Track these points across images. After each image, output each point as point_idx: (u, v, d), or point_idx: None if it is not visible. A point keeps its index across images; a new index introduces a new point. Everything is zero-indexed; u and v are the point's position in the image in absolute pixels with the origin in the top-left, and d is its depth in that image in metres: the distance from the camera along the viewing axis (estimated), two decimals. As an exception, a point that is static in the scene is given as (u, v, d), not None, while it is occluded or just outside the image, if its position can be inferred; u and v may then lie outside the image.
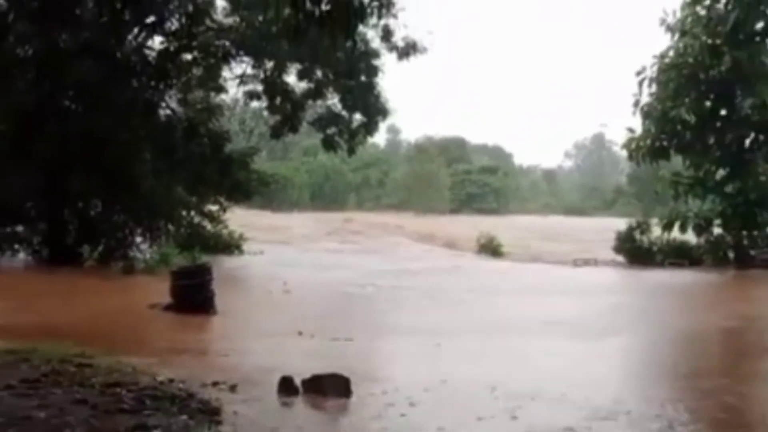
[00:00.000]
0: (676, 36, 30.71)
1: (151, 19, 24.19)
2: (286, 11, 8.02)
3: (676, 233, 30.55)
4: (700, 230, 30.54)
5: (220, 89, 27.82)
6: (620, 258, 30.37)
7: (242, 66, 27.26)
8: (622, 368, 11.11)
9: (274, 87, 27.40)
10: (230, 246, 29.09)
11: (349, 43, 20.47)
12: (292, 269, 23.84)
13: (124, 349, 10.12)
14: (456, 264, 29.01)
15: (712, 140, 30.45)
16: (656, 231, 30.79)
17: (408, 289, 20.11)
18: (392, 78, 39.11)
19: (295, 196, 76.99)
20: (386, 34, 25.75)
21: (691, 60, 29.76)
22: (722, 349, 12.53)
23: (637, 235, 30.70)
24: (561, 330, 13.74)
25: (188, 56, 25.55)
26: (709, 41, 29.42)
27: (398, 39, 25.91)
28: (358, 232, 45.46)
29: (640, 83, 31.05)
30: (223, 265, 23.72)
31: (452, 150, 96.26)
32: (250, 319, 14.70)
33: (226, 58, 26.33)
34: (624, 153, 35.04)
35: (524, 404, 7.99)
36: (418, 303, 17.63)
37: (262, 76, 27.38)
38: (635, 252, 30.27)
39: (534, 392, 8.44)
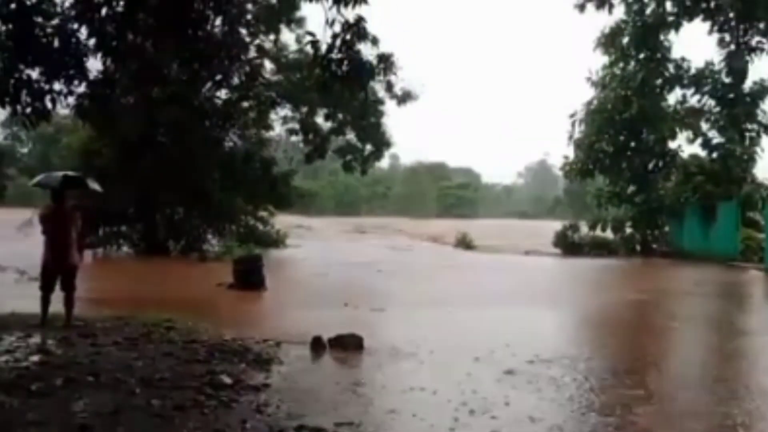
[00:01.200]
0: (599, 89, 30.96)
1: (219, 77, 24.06)
2: (317, 71, 8.07)
3: (599, 232, 30.49)
4: (616, 230, 30.64)
5: (269, 127, 27.55)
6: (557, 250, 30.01)
7: (285, 110, 27.14)
8: (559, 327, 10.96)
9: (307, 126, 27.25)
10: (276, 241, 28.64)
11: (362, 94, 20.40)
12: (321, 257, 23.63)
13: (200, 316, 10.02)
14: (440, 253, 29.00)
15: (624, 164, 30.58)
16: (584, 230, 30.62)
17: (409, 269, 19.92)
18: (394, 118, 39.86)
19: (323, 205, 76.93)
20: (389, 87, 25.74)
21: (609, 106, 29.93)
22: (630, 313, 12.39)
23: (570, 233, 30.51)
24: (515, 298, 13.65)
25: (245, 103, 25.44)
26: (623, 92, 29.61)
27: (398, 90, 25.90)
28: (369, 230, 45.04)
29: (573, 123, 31.30)
30: (271, 255, 23.51)
31: (437, 171, 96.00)
32: (292, 294, 14.41)
33: (273, 105, 26.20)
34: (561, 173, 35.01)
35: (486, 354, 7.98)
36: (421, 277, 17.44)
37: (298, 117, 27.26)
38: (568, 246, 29.90)
39: (496, 347, 8.39)
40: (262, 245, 25.49)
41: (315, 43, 7.86)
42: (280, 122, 27.59)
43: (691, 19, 28.76)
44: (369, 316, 11.10)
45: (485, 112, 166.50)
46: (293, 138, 28.97)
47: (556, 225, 31.91)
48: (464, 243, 32.66)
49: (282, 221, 30.06)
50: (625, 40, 29.86)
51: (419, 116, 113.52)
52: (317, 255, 24.94)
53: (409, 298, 13.54)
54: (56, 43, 7.79)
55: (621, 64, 30.18)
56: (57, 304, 8.67)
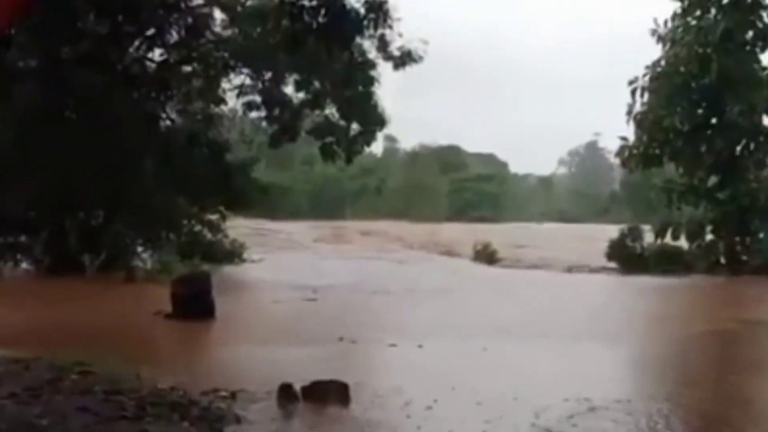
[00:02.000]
0: (667, 45, 30.74)
1: (151, 32, 24.01)
2: (284, 23, 7.98)
3: (669, 240, 30.26)
4: (692, 237, 30.31)
5: (220, 100, 27.50)
6: (613, 265, 30.30)
7: (241, 77, 27.10)
8: (616, 369, 11.16)
9: (272, 97, 27.19)
10: (231, 254, 28.71)
11: (346, 54, 20.44)
12: (289, 277, 23.77)
13: (126, 356, 10.09)
14: (453, 269, 29.20)
15: (703, 147, 30.37)
16: (649, 237, 30.60)
17: (414, 291, 20.41)
18: (389, 87, 38.67)
19: (294, 205, 76.70)
20: (382, 45, 25.48)
21: (682, 69, 29.81)
22: (717, 350, 12.62)
23: (629, 241, 30.53)
24: (558, 334, 13.83)
25: (188, 68, 25.36)
26: (699, 50, 29.49)
27: (394, 49, 25.66)
28: (355, 239, 45.55)
29: (633, 93, 30.95)
30: (224, 273, 23.64)
31: (448, 158, 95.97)
32: (248, 326, 14.73)
33: (225, 69, 26.14)
34: (617, 161, 35.05)
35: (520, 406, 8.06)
36: (431, 303, 17.88)
37: (260, 86, 27.15)
38: (627, 258, 30.13)
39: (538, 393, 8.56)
40: (212, 260, 25.58)
41: (282, -15, 8.07)
42: (236, 93, 27.61)
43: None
44: (364, 353, 11.35)
45: (513, 78, 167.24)
46: (253, 114, 29.03)
47: (611, 230, 32.08)
48: (486, 256, 33.00)
49: (239, 227, 30.20)
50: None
51: (424, 84, 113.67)
52: (287, 272, 25.01)
53: (417, 329, 13.91)
54: None
55: (697, 12, 30.25)
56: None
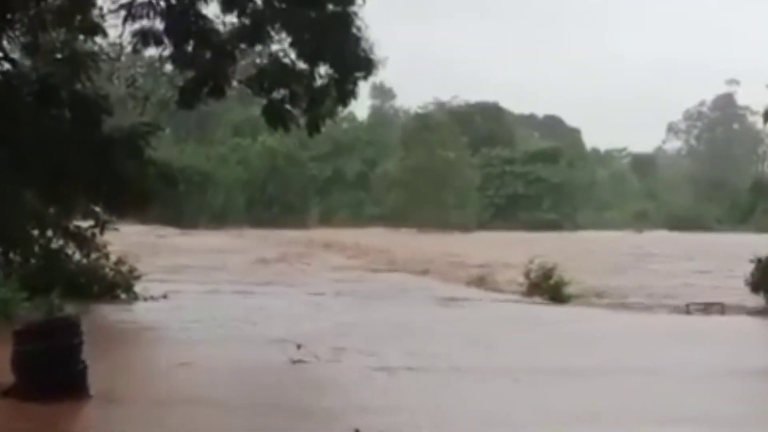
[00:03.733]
0: None
1: None
2: None
3: None
4: None
5: (93, 29, 27.56)
6: (762, 300, 30.60)
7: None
8: None
9: (182, 23, 27.29)
10: (114, 287, 29.43)
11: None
12: (207, 325, 24.53)
13: None
14: (494, 311, 30.19)
15: None
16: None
17: (435, 359, 20.42)
18: (383, 9, 37.34)
19: (221, 203, 76.17)
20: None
21: None
22: None
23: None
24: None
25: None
26: None
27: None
28: (318, 261, 46.77)
29: None
30: (103, 318, 24.40)
31: (481, 124, 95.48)
32: (146, 410, 14.73)
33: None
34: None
35: None
36: (465, 380, 18.04)
37: (162, 5, 27.30)
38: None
39: None
40: (83, 295, 26.06)
41: None
42: (121, 17, 27.61)
43: None
44: None
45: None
46: (151, 52, 29.20)
47: (758, 243, 32.30)
48: (546, 287, 33.23)
49: (128, 241, 32.05)
50: None
51: (439, 6, 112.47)
52: (211, 317, 25.61)
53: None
54: None
55: None
56: None
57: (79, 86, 26.51)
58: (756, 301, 30.66)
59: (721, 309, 30.68)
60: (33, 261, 27.06)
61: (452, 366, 19.37)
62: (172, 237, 40.64)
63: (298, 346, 19.87)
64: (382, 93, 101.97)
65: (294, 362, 18.73)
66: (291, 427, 13.60)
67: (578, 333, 25.88)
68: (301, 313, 28.75)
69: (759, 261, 30.76)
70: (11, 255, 26.38)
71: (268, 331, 23.93)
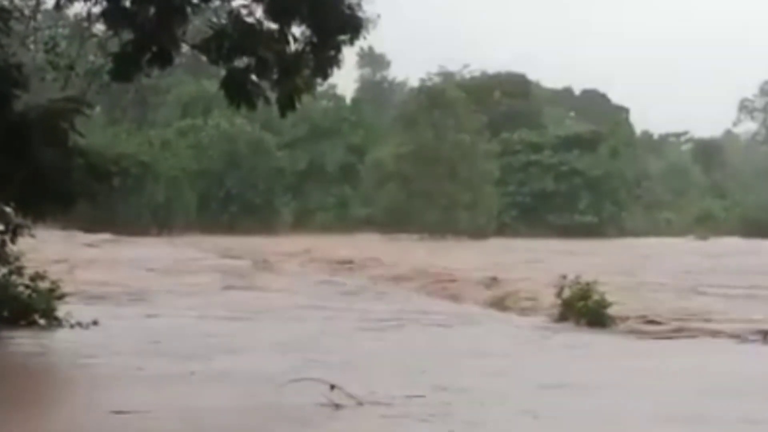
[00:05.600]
0: None
1: None
2: None
3: None
4: None
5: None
6: None
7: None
8: None
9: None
10: (30, 309, 26.88)
11: None
12: (144, 360, 22.38)
13: None
14: (517, 339, 28.27)
15: None
16: None
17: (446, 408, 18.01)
18: None
19: (165, 202, 72.00)
20: None
21: None
22: None
23: None
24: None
25: None
26: None
27: None
28: (284, 275, 45.98)
29: None
30: (16, 348, 23.90)
31: (502, 101, 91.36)
32: None
33: None
34: None
35: None
36: None
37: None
38: None
39: None
40: None
41: None
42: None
43: None
44: None
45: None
46: (78, 8, 26.85)
47: None
48: (585, 311, 30.17)
49: (48, 250, 31.50)
50: None
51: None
52: (150, 349, 23.97)
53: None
54: None
55: None
56: None
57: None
58: None
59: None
60: None
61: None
62: (102, 245, 38.24)
63: (332, 387, 17.99)
64: (373, 61, 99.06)
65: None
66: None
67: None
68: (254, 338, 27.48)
69: None
70: None
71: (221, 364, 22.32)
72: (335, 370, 20.57)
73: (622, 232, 78.95)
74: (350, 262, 49.21)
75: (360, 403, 17.46)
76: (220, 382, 20.19)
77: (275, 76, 24.77)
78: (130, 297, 35.99)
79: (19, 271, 27.00)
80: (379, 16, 25.44)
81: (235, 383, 20.37)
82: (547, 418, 17.55)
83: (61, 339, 25.78)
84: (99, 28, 27.10)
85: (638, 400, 19.40)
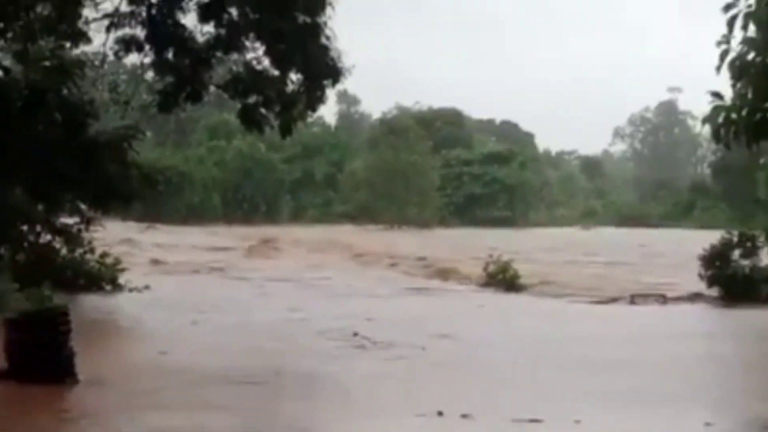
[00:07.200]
0: None
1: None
2: None
3: None
4: None
5: (80, 37, 27.26)
6: (705, 290, 30.53)
7: (113, 1, 26.75)
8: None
9: (162, 32, 26.87)
10: (99, 279, 29.55)
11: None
12: (185, 314, 24.52)
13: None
14: (460, 300, 30.33)
15: None
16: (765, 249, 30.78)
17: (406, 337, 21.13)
18: (348, 20, 37.37)
19: (198, 201, 76.20)
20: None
21: None
22: None
23: (734, 255, 30.47)
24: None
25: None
26: None
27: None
28: (288, 256, 46.71)
29: (731, 24, 30.62)
30: (89, 308, 24.44)
31: (442, 129, 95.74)
32: (128, 393, 14.88)
33: (86, -11, 26.19)
34: (706, 130, 35.05)
35: None
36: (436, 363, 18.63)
37: (143, 15, 26.86)
38: (729, 282, 30.24)
39: None
40: (70, 287, 26.14)
41: None
42: (104, 26, 27.25)
43: None
44: None
45: (538, 5, 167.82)
46: (132, 59, 28.79)
47: (701, 238, 32.44)
48: (503, 279, 33.67)
49: (112, 236, 31.51)
50: None
51: (405, 14, 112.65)
52: (189, 307, 25.72)
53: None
54: None
55: None
56: None
57: (66, 92, 25.92)
58: (703, 291, 30.68)
59: (664, 300, 30.80)
60: (23, 255, 26.77)
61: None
62: (151, 232, 40.50)
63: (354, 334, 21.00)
64: (348, 99, 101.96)
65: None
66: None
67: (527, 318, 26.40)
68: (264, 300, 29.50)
69: (703, 255, 30.54)
70: (1, 250, 26.05)
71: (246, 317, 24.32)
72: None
73: (529, 223, 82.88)
74: (333, 243, 50.19)
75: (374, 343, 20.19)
76: (253, 329, 22.50)
77: (277, 110, 27.51)
78: (173, 267, 37.37)
79: (91, 250, 29.83)
80: (353, 66, 27.54)
81: (263, 331, 22.47)
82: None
83: (121, 300, 28.08)
84: (149, 74, 28.92)
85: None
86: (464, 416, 13.50)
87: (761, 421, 13.93)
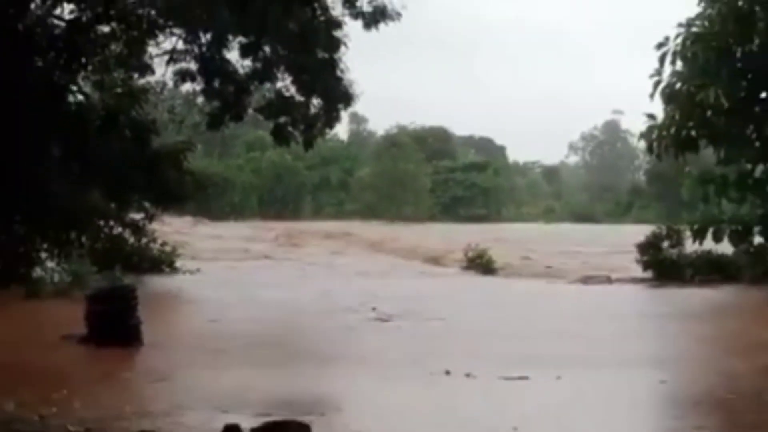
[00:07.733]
0: (705, 1, 29.93)
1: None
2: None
3: (710, 243, 29.71)
4: (736, 239, 29.90)
5: (145, 69, 27.25)
6: (640, 273, 30.45)
7: (172, 40, 26.85)
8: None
9: (211, 65, 26.64)
10: (160, 263, 29.45)
11: (305, 10, 20.38)
12: (231, 291, 24.45)
13: (29, 393, 10.12)
14: (445, 281, 29.90)
15: (750, 129, 30.07)
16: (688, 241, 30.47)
17: (405, 309, 20.98)
18: (358, 54, 38.06)
19: (238, 201, 76.36)
20: (349, -1, 25.97)
21: (717, 28, 28.81)
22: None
23: (665, 244, 30.48)
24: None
25: (105, 28, 25.15)
26: (744, 6, 28.52)
27: (364, 3, 25.92)
28: (312, 241, 46.42)
29: (662, 59, 30.41)
30: (152, 286, 24.37)
31: (432, 143, 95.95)
32: (184, 353, 14.94)
33: (151, 30, 25.76)
34: (642, 145, 34.76)
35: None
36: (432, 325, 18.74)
37: (196, 51, 26.88)
38: (660, 266, 30.21)
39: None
40: (136, 270, 26.09)
41: None
42: (165, 60, 27.35)
43: None
44: (328, 381, 11.96)
45: (512, 43, 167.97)
46: (187, 87, 27.96)
47: (637, 231, 32.29)
48: (480, 264, 33.41)
49: (170, 229, 30.95)
50: None
51: (401, 51, 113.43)
52: (234, 285, 25.64)
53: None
54: None
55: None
56: None
57: (134, 114, 25.95)
58: (639, 274, 30.52)
59: (609, 280, 30.60)
60: (99, 244, 26.53)
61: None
62: (201, 226, 40.48)
63: (373, 309, 20.81)
64: (358, 119, 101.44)
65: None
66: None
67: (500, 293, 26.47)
68: (295, 280, 28.94)
69: (640, 244, 30.59)
70: (83, 240, 25.99)
71: (269, 293, 24.20)
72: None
73: (501, 219, 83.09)
74: (348, 234, 49.19)
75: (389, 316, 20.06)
76: (288, 305, 22.38)
77: (302, 128, 27.29)
78: (217, 257, 36.29)
79: (153, 240, 29.71)
80: (362, 92, 29.46)
81: (295, 307, 22.28)
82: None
83: (177, 280, 28.03)
84: (199, 99, 30.07)
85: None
86: (467, 375, 13.38)
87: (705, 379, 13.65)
